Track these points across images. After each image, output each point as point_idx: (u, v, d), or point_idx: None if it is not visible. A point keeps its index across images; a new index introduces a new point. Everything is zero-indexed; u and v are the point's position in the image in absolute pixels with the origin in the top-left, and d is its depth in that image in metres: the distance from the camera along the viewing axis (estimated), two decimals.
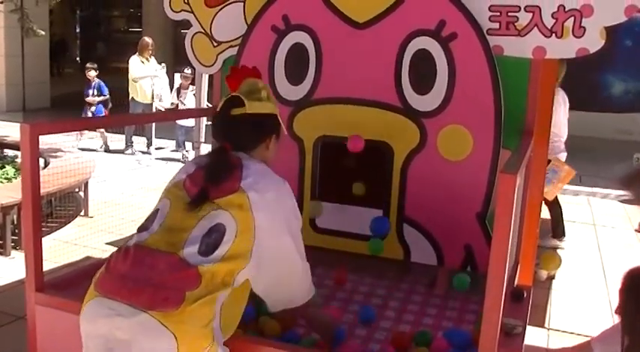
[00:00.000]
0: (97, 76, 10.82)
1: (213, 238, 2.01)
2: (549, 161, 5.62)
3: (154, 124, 10.50)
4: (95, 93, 10.75)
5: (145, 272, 1.97)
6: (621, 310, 2.18)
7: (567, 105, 5.87)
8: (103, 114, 10.52)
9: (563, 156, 5.88)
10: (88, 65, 11.03)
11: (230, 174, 2.13)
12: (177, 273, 1.95)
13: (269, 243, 2.12)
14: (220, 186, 2.10)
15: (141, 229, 2.16)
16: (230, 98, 2.32)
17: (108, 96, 10.91)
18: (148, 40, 10.81)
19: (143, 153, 10.84)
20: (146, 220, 2.19)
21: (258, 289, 2.17)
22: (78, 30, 30.57)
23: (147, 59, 10.61)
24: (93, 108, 10.65)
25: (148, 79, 10.48)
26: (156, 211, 2.19)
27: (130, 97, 10.63)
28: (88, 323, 2.02)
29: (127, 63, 10.63)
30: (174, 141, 10.87)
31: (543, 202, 5.96)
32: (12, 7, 8.41)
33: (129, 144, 10.85)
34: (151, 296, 1.90)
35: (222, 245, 2.01)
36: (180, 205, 2.13)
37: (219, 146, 2.26)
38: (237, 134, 2.27)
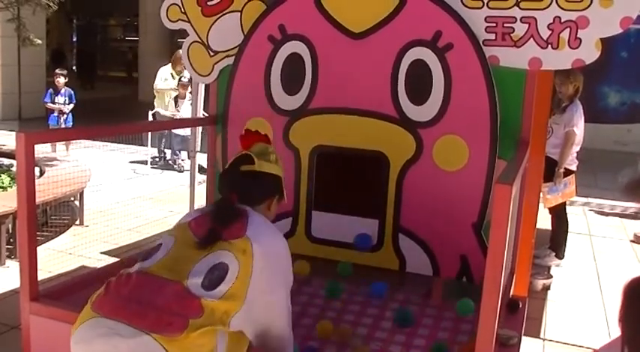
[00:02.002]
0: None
1: (216, 275, 2.05)
2: (572, 172, 5.77)
3: (149, 133, 10.45)
4: (67, 101, 10.42)
5: (149, 295, 1.98)
6: (622, 321, 2.17)
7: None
8: (71, 124, 10.33)
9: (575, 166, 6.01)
10: (57, 71, 10.62)
11: (237, 220, 2.21)
12: (181, 301, 1.97)
13: (263, 293, 2.15)
14: (227, 229, 2.17)
15: (143, 258, 2.18)
16: (241, 156, 2.46)
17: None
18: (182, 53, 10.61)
19: (140, 162, 10.82)
20: (148, 251, 2.22)
21: (247, 333, 2.17)
22: (75, 39, 30.59)
23: (177, 73, 10.47)
24: (64, 117, 10.33)
25: (169, 91, 10.42)
26: (159, 245, 2.21)
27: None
28: (82, 344, 1.99)
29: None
30: (169, 151, 10.84)
31: (551, 217, 6.08)
32: (9, 17, 8.40)
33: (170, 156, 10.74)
34: (155, 319, 1.91)
35: (223, 283, 2.04)
36: (186, 241, 2.18)
37: (225, 196, 2.34)
38: (244, 188, 2.38)
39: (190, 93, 9.21)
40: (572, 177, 5.89)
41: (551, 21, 3.00)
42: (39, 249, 2.76)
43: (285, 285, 2.29)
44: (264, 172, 2.43)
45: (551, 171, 5.68)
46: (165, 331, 1.89)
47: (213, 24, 3.81)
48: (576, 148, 5.88)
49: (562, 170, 5.76)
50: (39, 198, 4.47)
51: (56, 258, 5.68)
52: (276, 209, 2.54)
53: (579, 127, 5.80)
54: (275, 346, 2.29)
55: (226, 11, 3.77)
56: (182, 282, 2.00)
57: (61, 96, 10.38)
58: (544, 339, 4.58)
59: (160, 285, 2.01)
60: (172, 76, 10.48)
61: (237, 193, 2.32)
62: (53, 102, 10.35)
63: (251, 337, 2.17)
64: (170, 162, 10.63)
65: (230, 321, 2.02)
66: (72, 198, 7.13)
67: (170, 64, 10.61)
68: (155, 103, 10.59)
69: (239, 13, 3.74)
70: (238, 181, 2.40)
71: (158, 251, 2.17)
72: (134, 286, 2.02)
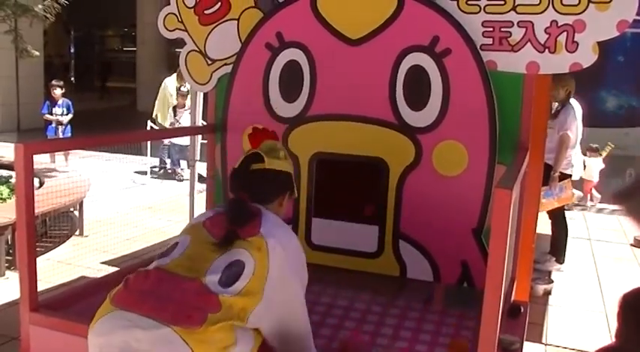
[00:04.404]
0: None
1: (233, 271, 2.07)
2: (568, 176, 5.76)
3: (149, 143, 10.44)
4: (64, 112, 10.36)
5: (168, 290, 2.02)
6: (618, 334, 2.17)
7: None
8: (69, 134, 10.31)
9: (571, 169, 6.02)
10: (53, 82, 10.53)
11: (251, 220, 2.23)
12: (200, 296, 2.00)
13: (280, 289, 2.16)
14: (242, 228, 2.19)
15: (160, 257, 2.20)
16: (251, 154, 2.47)
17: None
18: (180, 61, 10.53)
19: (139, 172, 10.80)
20: (165, 250, 2.24)
21: (263, 329, 2.18)
22: (72, 50, 30.57)
23: (181, 85, 10.43)
24: (62, 128, 10.27)
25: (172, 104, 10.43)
26: (175, 244, 2.24)
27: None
28: (101, 337, 2.01)
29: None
30: (169, 160, 10.82)
31: (550, 222, 6.07)
32: (6, 28, 8.41)
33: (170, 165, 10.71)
34: (175, 312, 1.94)
35: (240, 279, 2.06)
36: (202, 240, 2.20)
37: (236, 196, 2.35)
38: (256, 187, 2.39)
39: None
40: (568, 182, 5.87)
41: (548, 25, 3.01)
42: (39, 259, 2.75)
43: (301, 281, 2.31)
44: (275, 170, 2.44)
45: (546, 175, 5.69)
46: (185, 323, 1.91)
47: (210, 32, 3.81)
48: (571, 151, 5.88)
49: (557, 174, 5.75)
50: (38, 209, 4.45)
51: (56, 268, 5.67)
52: (288, 205, 2.56)
53: (573, 131, 5.79)
54: (295, 341, 2.30)
55: (223, 20, 3.77)
56: (200, 279, 2.03)
57: (59, 107, 10.34)
58: (546, 344, 4.57)
59: (178, 282, 2.04)
60: (177, 88, 10.48)
61: (248, 192, 2.33)
62: (51, 114, 10.33)
63: (266, 333, 2.18)
64: (170, 171, 10.62)
65: (249, 317, 2.04)
66: (71, 209, 7.12)
67: (175, 76, 10.59)
68: (157, 114, 10.57)
69: (236, 22, 3.74)
70: (249, 180, 2.41)
71: (174, 249, 2.19)
72: (153, 282, 2.05)
